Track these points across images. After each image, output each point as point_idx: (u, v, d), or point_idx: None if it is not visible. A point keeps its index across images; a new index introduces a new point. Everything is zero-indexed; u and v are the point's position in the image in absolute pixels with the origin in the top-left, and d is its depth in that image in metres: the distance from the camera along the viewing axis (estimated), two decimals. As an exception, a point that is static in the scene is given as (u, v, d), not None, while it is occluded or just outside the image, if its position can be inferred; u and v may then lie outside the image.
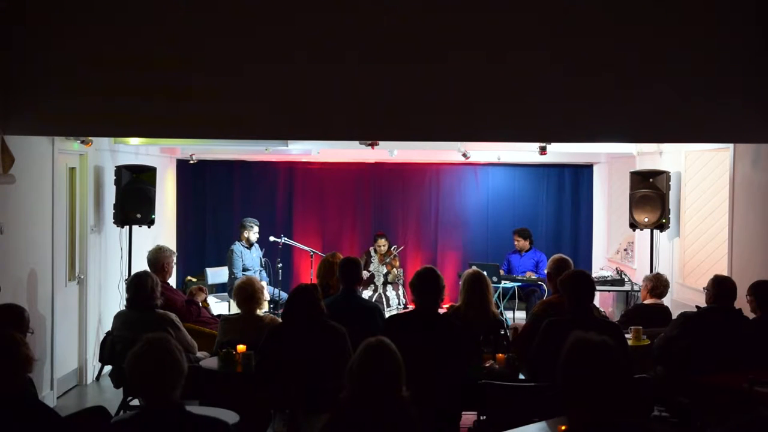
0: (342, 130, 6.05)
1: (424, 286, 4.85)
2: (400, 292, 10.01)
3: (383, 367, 3.12)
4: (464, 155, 9.07)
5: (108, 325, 6.49)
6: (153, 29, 5.65)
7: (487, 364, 5.02)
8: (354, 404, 3.11)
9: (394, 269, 10.02)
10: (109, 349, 5.91)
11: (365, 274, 9.54)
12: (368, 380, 3.10)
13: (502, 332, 5.42)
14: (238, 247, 9.37)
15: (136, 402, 5.77)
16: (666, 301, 6.72)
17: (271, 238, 9.38)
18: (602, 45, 5.71)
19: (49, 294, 6.60)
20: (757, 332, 5.28)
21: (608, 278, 8.81)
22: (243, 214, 10.21)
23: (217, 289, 9.76)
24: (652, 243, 8.04)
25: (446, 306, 6.52)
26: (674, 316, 5.96)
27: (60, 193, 6.86)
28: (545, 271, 6.33)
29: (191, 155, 9.75)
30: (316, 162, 10.89)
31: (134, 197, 7.58)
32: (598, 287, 6.99)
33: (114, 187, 7.64)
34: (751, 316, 5.47)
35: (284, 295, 9.31)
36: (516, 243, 9.99)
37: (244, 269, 9.18)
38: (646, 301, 6.52)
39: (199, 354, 5.81)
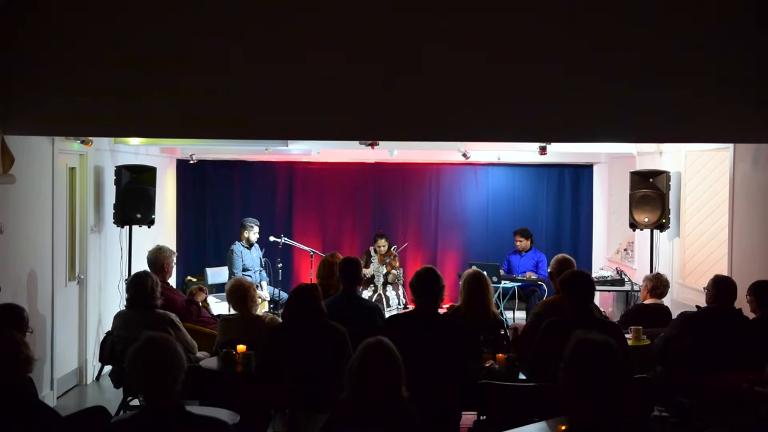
0: (342, 130, 6.05)
1: (424, 287, 4.85)
2: (400, 292, 10.01)
3: (383, 367, 3.12)
4: (464, 155, 9.07)
5: (108, 325, 6.49)
6: (153, 29, 5.65)
7: (487, 364, 5.02)
8: (354, 404, 3.11)
9: (394, 270, 10.03)
10: (109, 349, 5.91)
11: (366, 272, 9.55)
12: (368, 380, 3.10)
13: (502, 332, 5.42)
14: (238, 247, 9.37)
15: (136, 402, 5.78)
16: (666, 301, 6.72)
17: (271, 238, 9.38)
18: (602, 45, 5.70)
19: (49, 294, 6.60)
20: (757, 332, 5.28)
21: (608, 278, 8.81)
22: (243, 214, 10.22)
23: (217, 289, 9.75)
24: (652, 243, 8.05)
25: (446, 306, 6.52)
26: (674, 316, 5.96)
27: (60, 193, 6.86)
28: (548, 271, 6.32)
29: (191, 155, 9.75)
30: (316, 162, 10.89)
31: (134, 197, 7.58)
32: (598, 287, 7.00)
33: (114, 187, 7.64)
34: (751, 316, 5.47)
35: (284, 295, 9.31)
36: (518, 243, 9.99)
37: (244, 269, 9.18)
38: (646, 301, 6.52)
39: (199, 354, 5.81)
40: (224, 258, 9.73)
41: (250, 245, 9.42)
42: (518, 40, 5.70)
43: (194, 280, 10.03)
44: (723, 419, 4.74)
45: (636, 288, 8.29)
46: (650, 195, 7.88)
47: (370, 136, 6.85)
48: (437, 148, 9.70)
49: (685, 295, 7.78)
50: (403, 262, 10.62)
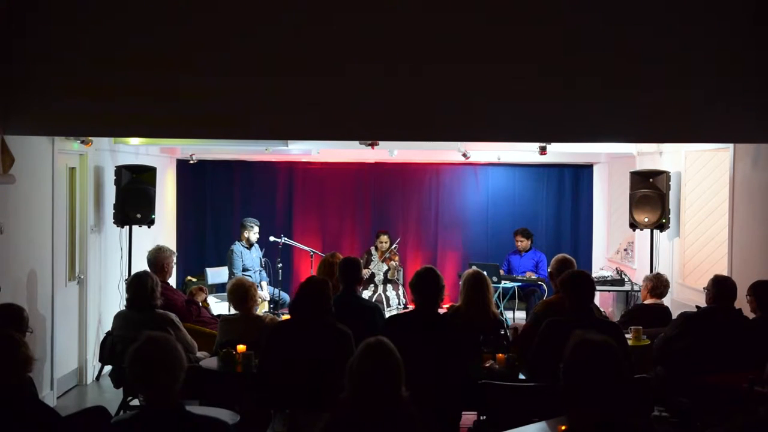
0: (342, 130, 6.05)
1: (424, 287, 4.84)
2: (400, 292, 10.01)
3: (383, 367, 3.12)
4: (464, 155, 9.07)
5: (108, 325, 6.49)
6: (153, 29, 5.65)
7: (487, 364, 5.02)
8: (354, 404, 3.11)
9: (393, 262, 10.02)
10: (109, 349, 5.91)
11: (365, 273, 9.54)
12: (368, 380, 3.10)
13: (502, 332, 5.42)
14: (238, 247, 9.37)
15: (136, 402, 5.78)
16: (666, 301, 6.72)
17: (271, 238, 9.38)
18: (602, 45, 5.70)
19: (49, 294, 6.60)
20: (757, 332, 5.28)
21: (608, 278, 8.81)
22: (243, 214, 10.22)
23: (217, 289, 9.75)
24: (652, 243, 8.05)
25: (446, 306, 6.52)
26: (674, 316, 5.96)
27: (60, 193, 6.86)
28: (548, 271, 6.32)
29: (191, 155, 9.75)
30: (316, 162, 10.89)
31: (134, 197, 7.58)
32: (598, 287, 6.99)
33: (114, 187, 7.64)
34: (751, 316, 5.47)
35: (284, 295, 9.34)
36: (519, 243, 9.99)
37: (244, 269, 9.18)
38: (646, 301, 6.52)
39: (199, 354, 5.81)
40: (224, 258, 9.73)
41: (250, 245, 9.42)
42: (518, 40, 5.70)
43: (194, 280, 10.02)
44: (723, 419, 4.74)
45: (636, 288, 8.29)
46: (650, 195, 7.88)
47: (370, 136, 6.85)
48: (437, 148, 9.70)
49: (685, 295, 7.78)
50: (403, 262, 10.63)
